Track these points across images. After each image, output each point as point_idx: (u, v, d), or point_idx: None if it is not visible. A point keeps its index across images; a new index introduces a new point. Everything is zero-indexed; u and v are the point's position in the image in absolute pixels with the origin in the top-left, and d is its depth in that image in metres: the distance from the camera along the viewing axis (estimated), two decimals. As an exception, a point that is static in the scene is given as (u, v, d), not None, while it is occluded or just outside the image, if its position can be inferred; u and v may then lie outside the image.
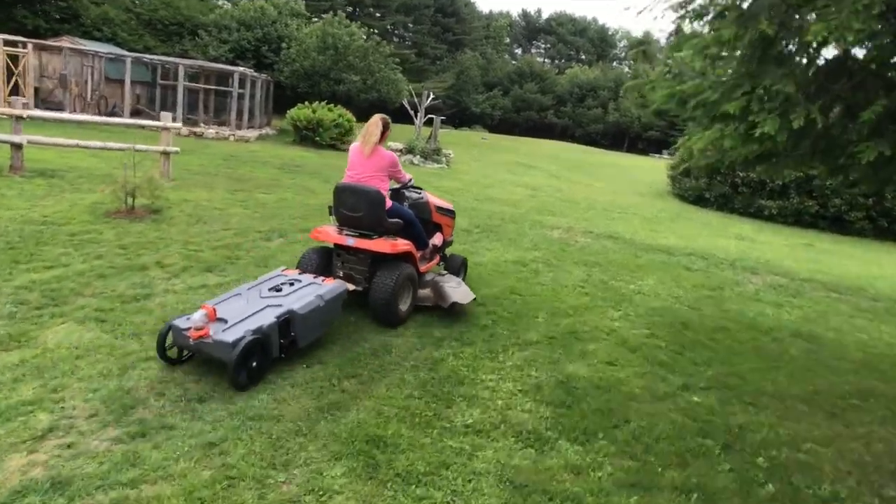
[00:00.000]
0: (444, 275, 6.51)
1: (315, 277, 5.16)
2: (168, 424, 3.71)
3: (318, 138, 23.01)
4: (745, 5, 4.06)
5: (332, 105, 24.24)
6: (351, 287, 5.51)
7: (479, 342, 5.52)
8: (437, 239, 6.72)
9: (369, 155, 5.67)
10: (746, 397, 5.12)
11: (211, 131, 22.24)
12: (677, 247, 11.73)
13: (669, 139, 62.70)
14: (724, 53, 4.32)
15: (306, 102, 24.10)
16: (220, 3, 34.99)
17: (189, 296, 5.81)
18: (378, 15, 59.05)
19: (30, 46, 20.62)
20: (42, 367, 4.21)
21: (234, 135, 22.31)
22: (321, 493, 3.24)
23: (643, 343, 6.06)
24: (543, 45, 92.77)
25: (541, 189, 19.55)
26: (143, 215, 8.39)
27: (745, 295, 8.69)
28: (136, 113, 26.04)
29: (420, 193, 6.66)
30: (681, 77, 4.86)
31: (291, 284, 4.95)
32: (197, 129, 22.17)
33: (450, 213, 7.09)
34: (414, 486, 3.37)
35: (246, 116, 24.80)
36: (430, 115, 25.95)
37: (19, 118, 10.07)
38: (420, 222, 6.18)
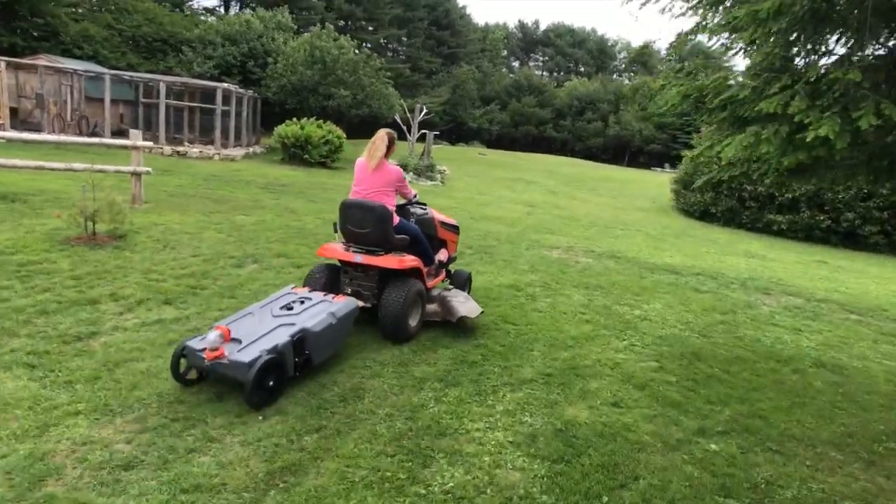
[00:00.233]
0: (450, 290, 6.41)
1: (325, 295, 5.15)
2: (80, 502, 3.05)
3: (306, 156, 22.44)
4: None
5: (321, 121, 23.67)
6: (360, 304, 5.46)
7: (466, 382, 4.87)
8: (442, 255, 6.73)
9: (375, 170, 5.62)
10: (771, 443, 4.47)
11: (195, 150, 21.65)
12: (684, 266, 11.08)
13: (672, 152, 62.27)
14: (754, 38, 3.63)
15: (294, 119, 23.54)
16: (205, 18, 34.29)
17: (141, 333, 5.17)
18: (370, 28, 58.78)
19: (2, 65, 20.00)
20: (-57, 428, 3.56)
21: (218, 154, 21.72)
22: None
23: (651, 378, 5.40)
24: (541, 58, 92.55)
25: (539, 206, 18.95)
26: (105, 242, 7.75)
27: (760, 319, 8.03)
28: (119, 133, 25.56)
29: (425, 209, 6.65)
30: (694, 75, 4.20)
31: (302, 302, 4.94)
32: (180, 149, 21.58)
33: (454, 229, 7.11)
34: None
35: (232, 135, 24.23)
36: (423, 131, 25.37)
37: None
38: (425, 238, 6.15)
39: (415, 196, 6.37)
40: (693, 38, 4.86)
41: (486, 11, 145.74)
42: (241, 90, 25.66)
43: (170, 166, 17.58)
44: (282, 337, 4.34)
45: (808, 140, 3.25)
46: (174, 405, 4.02)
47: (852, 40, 3.51)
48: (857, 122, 2.99)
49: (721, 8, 3.81)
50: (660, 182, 34.62)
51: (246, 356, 4.09)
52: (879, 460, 4.42)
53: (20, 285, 5.96)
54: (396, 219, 5.73)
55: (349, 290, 5.76)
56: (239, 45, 30.06)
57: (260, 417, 3.97)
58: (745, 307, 8.57)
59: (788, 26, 3.42)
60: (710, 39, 4.19)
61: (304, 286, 5.65)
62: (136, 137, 10.87)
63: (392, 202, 5.73)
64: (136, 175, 10.88)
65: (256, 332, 4.39)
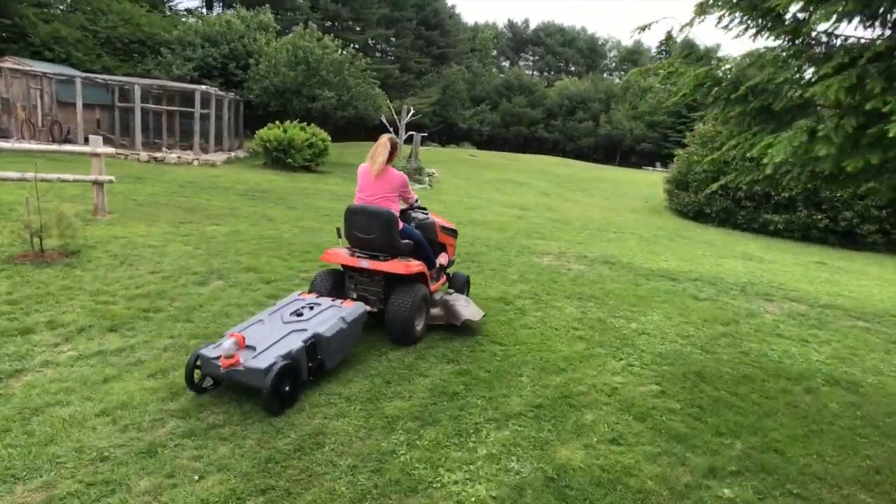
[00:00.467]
0: (451, 293, 6.50)
1: (333, 300, 5.19)
2: None
3: (289, 160, 21.83)
4: None
5: (304, 124, 23.07)
6: (368, 309, 5.45)
7: (444, 419, 4.29)
8: (442, 258, 6.75)
9: (379, 176, 5.65)
10: (791, 484, 3.91)
11: (173, 156, 21.02)
12: (681, 271, 10.53)
13: (663, 151, 61.87)
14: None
15: (277, 122, 22.93)
16: (185, 19, 33.49)
17: (74, 369, 4.55)
18: (358, 29, 58.08)
19: (-39, 68, 19.32)
20: None
21: (197, 159, 21.10)
22: None
23: (653, 406, 4.83)
24: (532, 57, 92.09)
25: (530, 209, 18.39)
26: (54, 259, 7.13)
27: (764, 329, 7.47)
28: (98, 139, 24.85)
29: (426, 214, 6.64)
30: (706, 60, 3.59)
31: (311, 308, 4.98)
32: (157, 155, 20.94)
33: (453, 233, 7.16)
34: None
35: (212, 139, 23.60)
36: (410, 133, 24.79)
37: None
38: (427, 243, 6.18)
39: (416, 200, 6.36)
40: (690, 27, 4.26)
41: (476, 11, 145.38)
42: (221, 93, 25.04)
43: (145, 173, 16.97)
44: (295, 342, 4.38)
45: (890, 135, 2.59)
46: (95, 463, 3.41)
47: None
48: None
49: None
50: (652, 181, 34.14)
51: (262, 362, 4.11)
52: (914, 502, 3.87)
53: (-53, 313, 5.36)
54: (401, 224, 5.76)
55: (354, 296, 5.80)
56: (219, 46, 29.37)
57: (196, 477, 3.37)
58: (747, 316, 8.02)
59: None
60: (719, 22, 3.59)
61: (309, 293, 5.59)
62: (96, 144, 10.23)
63: (396, 207, 5.77)
64: (98, 184, 10.27)
65: (269, 339, 4.42)
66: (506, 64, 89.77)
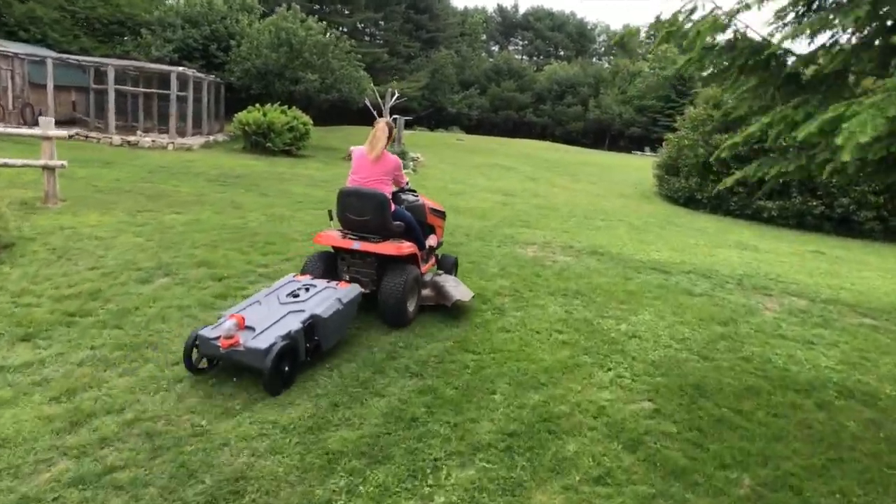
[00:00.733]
0: (440, 274, 6.56)
1: (329, 282, 5.22)
2: None
3: (269, 144, 20.99)
4: None
5: (286, 107, 22.25)
6: (362, 290, 5.51)
7: (398, 454, 3.60)
8: (432, 240, 6.74)
9: (376, 160, 5.78)
10: (811, 532, 3.26)
11: (147, 140, 20.14)
12: (672, 262, 9.87)
13: (652, 136, 61.23)
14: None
15: (257, 105, 22.09)
16: (169, 0, 32.39)
17: (-37, 390, 3.85)
18: (346, 12, 56.95)
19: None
20: None
21: (172, 143, 20.21)
22: None
23: (646, 431, 4.17)
24: (521, 42, 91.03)
25: (516, 194, 17.67)
26: (-21, 254, 6.42)
27: (765, 329, 6.82)
28: (72, 122, 24.05)
29: (416, 196, 6.70)
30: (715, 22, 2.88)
31: (307, 290, 5.00)
32: (131, 138, 20.07)
33: (441, 215, 7.19)
34: None
35: (190, 122, 22.73)
36: (394, 116, 24.01)
37: None
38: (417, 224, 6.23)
39: (407, 183, 6.46)
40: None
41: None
42: (200, 75, 24.13)
43: (115, 157, 16.17)
44: (294, 323, 4.40)
45: None
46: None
47: None
48: None
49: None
50: (641, 166, 33.50)
51: (262, 343, 4.14)
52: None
53: None
54: (393, 206, 5.80)
55: (347, 277, 5.84)
56: (200, 27, 28.36)
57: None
58: (745, 314, 7.37)
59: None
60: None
61: (301, 275, 5.58)
62: (47, 126, 9.43)
63: (389, 190, 5.86)
64: (49, 169, 9.48)
65: (268, 320, 4.44)
66: (495, 48, 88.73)
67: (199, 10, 28.73)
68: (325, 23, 28.58)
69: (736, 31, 3.05)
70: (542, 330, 5.97)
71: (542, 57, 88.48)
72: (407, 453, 3.61)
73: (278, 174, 16.33)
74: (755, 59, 2.74)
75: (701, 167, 18.99)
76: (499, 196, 16.78)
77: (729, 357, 5.79)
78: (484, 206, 14.20)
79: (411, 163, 21.58)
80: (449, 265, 7.06)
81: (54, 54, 22.31)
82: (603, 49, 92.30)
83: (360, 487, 3.24)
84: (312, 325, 4.54)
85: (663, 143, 22.30)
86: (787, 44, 2.67)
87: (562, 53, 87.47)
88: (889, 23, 2.40)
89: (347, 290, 5.10)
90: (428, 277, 6.34)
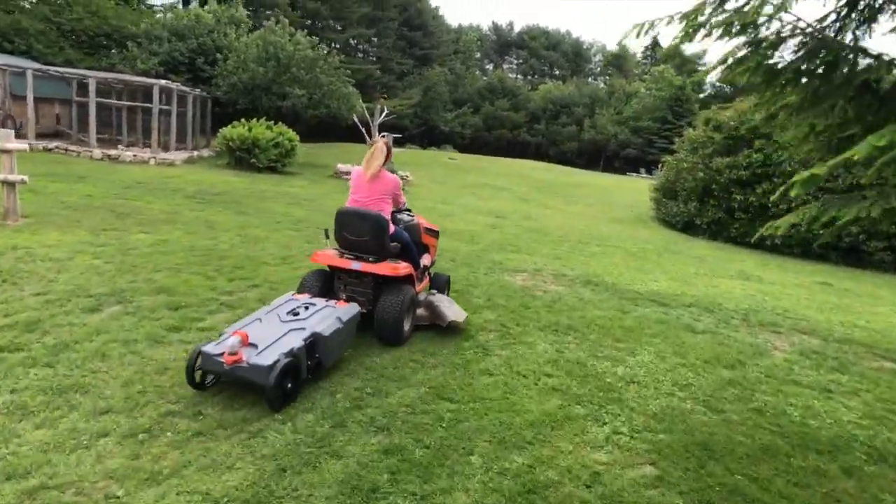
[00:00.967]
0: (434, 294, 6.54)
1: (328, 301, 5.23)
2: None
3: (253, 160, 20.40)
4: None
5: (272, 123, 21.70)
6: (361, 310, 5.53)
7: (351, 540, 2.97)
8: (426, 259, 6.71)
9: (373, 179, 5.73)
10: None
11: (129, 154, 19.52)
12: (672, 294, 9.28)
13: (647, 157, 60.96)
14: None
15: (243, 120, 21.53)
16: (158, 14, 31.84)
17: None
18: (338, 28, 56.61)
19: None
20: None
21: (154, 157, 19.59)
22: None
23: (649, 504, 3.55)
24: (515, 60, 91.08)
25: (507, 216, 17.10)
26: None
27: (776, 374, 6.21)
28: (55, 135, 23.46)
29: (412, 216, 6.66)
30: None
31: (307, 308, 4.99)
32: (112, 152, 19.44)
33: (435, 234, 7.17)
34: None
35: (173, 136, 22.14)
36: (383, 133, 23.46)
37: None
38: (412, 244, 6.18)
39: (404, 204, 6.39)
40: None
41: (460, 13, 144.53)
42: (185, 88, 23.58)
43: (91, 172, 15.53)
44: (296, 341, 4.41)
45: None
46: None
47: None
48: None
49: None
50: (636, 188, 33.06)
51: (265, 360, 4.13)
52: None
53: None
54: (392, 227, 5.80)
55: (343, 297, 5.82)
56: (187, 40, 27.88)
57: None
58: (753, 355, 6.76)
59: None
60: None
61: (298, 293, 5.53)
62: (5, 139, 8.79)
63: (388, 210, 5.83)
64: (8, 185, 8.84)
65: (270, 337, 4.43)
66: (489, 67, 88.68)
67: (187, 23, 28.27)
68: (315, 38, 28.13)
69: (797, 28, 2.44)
70: (529, 373, 5.35)
71: (536, 76, 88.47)
72: (361, 540, 2.97)
73: (260, 192, 15.72)
74: (822, 59, 2.15)
75: (701, 191, 18.45)
76: (489, 218, 16.21)
77: (739, 408, 5.17)
78: (473, 229, 13.61)
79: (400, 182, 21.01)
80: (441, 284, 7.07)
81: (35, 65, 21.75)
82: (598, 69, 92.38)
83: None
84: (314, 343, 4.55)
85: (659, 166, 21.81)
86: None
87: (557, 73, 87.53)
88: None
89: (347, 309, 5.13)
90: (422, 297, 6.33)
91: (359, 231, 5.60)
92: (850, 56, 2.13)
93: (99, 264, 7.21)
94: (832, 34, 2.30)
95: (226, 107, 27.24)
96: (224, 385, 4.41)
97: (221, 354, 4.17)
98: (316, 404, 4.27)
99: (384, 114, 23.74)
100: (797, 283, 12.01)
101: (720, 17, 2.59)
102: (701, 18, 2.67)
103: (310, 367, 4.52)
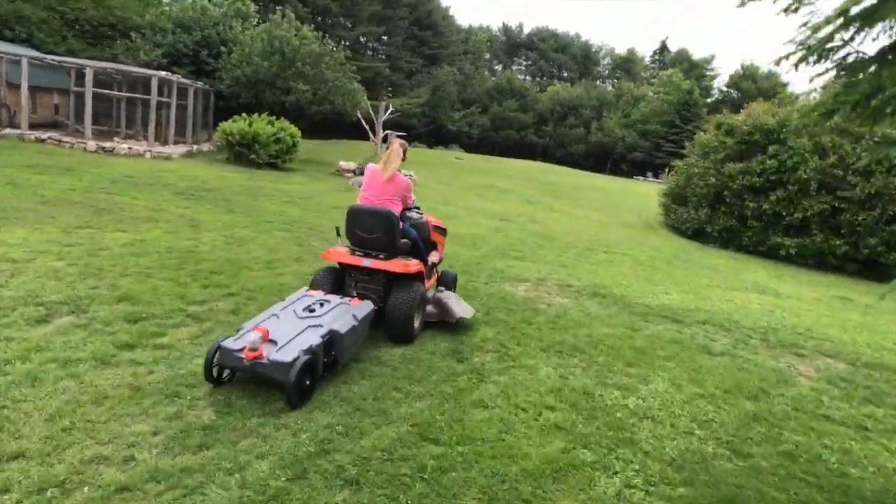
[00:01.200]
0: (442, 291, 6.50)
1: (342, 298, 5.25)
2: None
3: (253, 156, 19.77)
4: None
5: (273, 118, 21.08)
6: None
7: None
8: (434, 256, 6.77)
9: (388, 180, 5.82)
10: None
11: (124, 146, 18.91)
12: (685, 309, 8.62)
13: (655, 161, 60.26)
14: None
15: (244, 115, 20.92)
16: (165, 5, 31.22)
17: None
18: (348, 25, 56.06)
19: None
20: None
21: (150, 151, 18.97)
22: None
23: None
24: (524, 62, 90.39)
25: (512, 219, 16.45)
26: None
27: (805, 407, 5.55)
28: (54, 125, 22.94)
29: (420, 214, 6.61)
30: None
31: (322, 305, 4.98)
32: (107, 144, 18.84)
33: (443, 232, 7.21)
34: None
35: (171, 130, 21.53)
36: (387, 132, 22.86)
37: None
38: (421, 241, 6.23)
39: (413, 202, 6.38)
40: None
41: (470, 14, 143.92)
42: (185, 80, 22.96)
43: (80, 164, 14.92)
44: (314, 338, 4.39)
45: None
46: None
47: None
48: None
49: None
50: (644, 192, 32.41)
51: (286, 356, 4.10)
52: None
53: None
54: (401, 225, 5.86)
55: (354, 293, 5.81)
56: (192, 32, 27.28)
57: None
58: (777, 382, 6.11)
59: None
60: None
61: (312, 289, 5.57)
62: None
63: (398, 209, 5.91)
64: (-27, 177, 8.23)
65: (289, 334, 4.41)
66: (498, 68, 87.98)
67: (192, 15, 27.67)
68: (324, 34, 27.52)
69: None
70: (529, 406, 4.70)
71: (545, 78, 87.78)
72: None
73: (256, 189, 15.10)
74: None
75: (712, 198, 17.76)
76: (493, 221, 15.56)
77: (768, 452, 4.51)
78: (475, 232, 12.96)
79: (403, 181, 20.39)
80: (449, 281, 7.08)
81: (32, 53, 21.18)
82: (607, 72, 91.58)
83: None
84: (331, 340, 4.56)
85: (666, 170, 21.14)
86: None
87: (565, 75, 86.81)
88: None
89: (361, 307, 5.17)
90: (430, 294, 6.36)
91: (370, 228, 5.67)
92: None
93: (61, 267, 6.59)
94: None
95: (229, 101, 26.61)
96: (166, 423, 3.78)
97: (241, 350, 4.14)
98: (275, 447, 3.63)
99: (389, 111, 23.11)
100: (815, 298, 11.33)
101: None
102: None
103: (326, 364, 4.52)
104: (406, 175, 20.91)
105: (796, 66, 3.31)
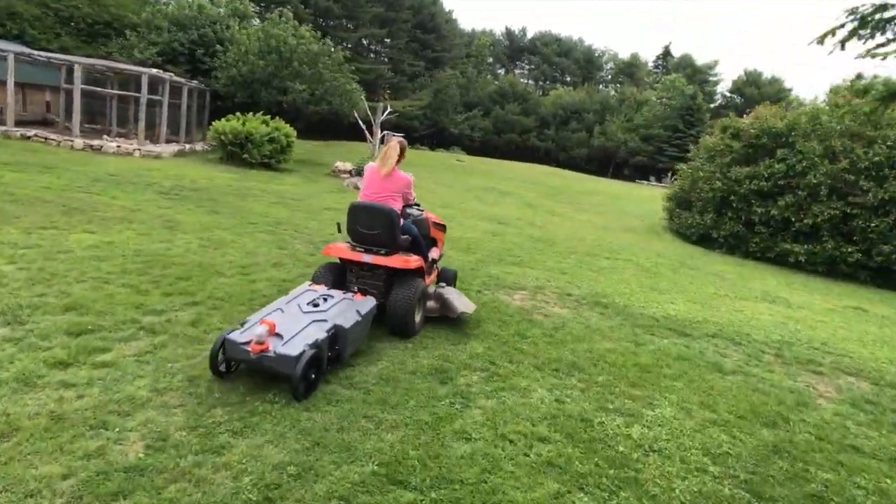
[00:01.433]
0: (443, 286, 6.51)
1: (345, 293, 5.25)
2: None
3: (246, 155, 19.20)
4: None
5: (268, 117, 20.54)
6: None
7: None
8: (434, 253, 6.76)
9: (387, 176, 5.84)
10: None
11: (112, 145, 18.36)
12: (693, 320, 8.02)
13: (658, 165, 59.71)
14: None
15: (238, 114, 20.37)
16: (162, 3, 30.69)
17: None
18: (350, 27, 55.56)
19: None
20: None
21: (139, 149, 18.42)
22: None
23: None
24: (527, 66, 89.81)
25: (511, 223, 15.85)
26: None
27: (829, 436, 4.94)
28: (44, 123, 22.46)
29: (421, 210, 6.58)
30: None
31: (326, 300, 4.98)
32: (95, 142, 18.28)
33: (443, 228, 7.20)
34: None
35: (163, 128, 20.98)
36: (384, 132, 22.30)
37: None
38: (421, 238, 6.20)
39: (414, 199, 6.41)
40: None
41: (473, 17, 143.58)
42: (178, 79, 22.42)
43: (63, 162, 14.39)
44: (319, 332, 4.43)
45: None
46: None
47: None
48: None
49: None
50: (646, 196, 31.83)
51: (292, 350, 4.13)
52: None
53: None
54: (401, 221, 5.86)
55: (356, 289, 5.78)
56: (188, 30, 26.77)
57: None
58: (796, 405, 5.50)
59: None
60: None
61: (314, 284, 5.57)
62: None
63: (399, 206, 5.93)
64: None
65: (294, 328, 4.43)
66: (501, 71, 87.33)
67: (189, 13, 27.16)
68: (325, 35, 26.98)
69: None
70: (518, 437, 4.10)
71: (548, 82, 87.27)
72: None
73: (245, 189, 14.52)
74: None
75: (718, 202, 17.13)
76: (491, 224, 14.96)
77: (793, 494, 3.91)
78: (471, 236, 12.37)
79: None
80: (449, 277, 7.15)
81: (18, 48, 20.65)
82: (610, 76, 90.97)
83: None
84: (335, 335, 4.58)
85: (669, 174, 20.55)
86: None
87: (568, 79, 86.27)
88: None
89: (364, 302, 5.19)
90: (431, 290, 6.38)
91: (371, 225, 5.69)
92: None
93: (9, 271, 6.02)
94: None
95: (226, 100, 26.09)
96: (83, 463, 3.18)
97: (248, 343, 4.16)
98: (208, 495, 3.02)
99: (387, 112, 22.54)
100: (828, 308, 10.71)
101: None
102: None
103: (330, 358, 4.55)
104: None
105: (843, 44, 2.74)
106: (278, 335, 4.31)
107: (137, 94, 20.25)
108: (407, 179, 6.04)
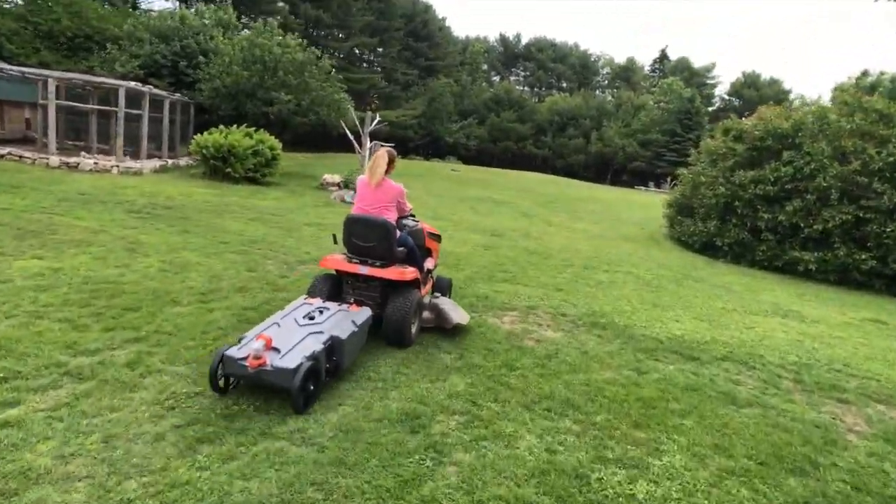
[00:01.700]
0: (438, 297, 6.60)
1: (340, 305, 5.32)
2: None
3: (229, 170, 18.50)
4: None
5: (253, 129, 19.86)
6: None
7: None
8: (429, 263, 6.80)
9: (377, 187, 5.84)
10: None
11: (89, 162, 17.66)
12: (701, 341, 7.31)
13: (656, 170, 59.10)
14: None
15: (221, 127, 19.70)
16: (153, 20, 30.00)
17: None
18: (341, 36, 55.02)
19: None
20: None
21: (118, 166, 17.74)
22: None
23: None
24: (522, 72, 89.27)
25: (504, 234, 15.15)
26: None
27: (868, 485, 4.22)
28: (24, 141, 21.80)
29: (416, 221, 6.61)
30: None
31: (321, 312, 5.04)
32: (72, 160, 17.59)
33: (437, 238, 7.22)
34: None
35: (144, 144, 20.32)
36: (373, 142, 21.64)
37: None
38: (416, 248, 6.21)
39: (409, 209, 6.44)
40: None
41: (467, 24, 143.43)
42: (160, 92, 21.79)
43: (33, 182, 13.70)
44: (315, 344, 4.46)
45: None
46: None
47: None
48: None
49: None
50: (646, 203, 31.17)
51: (290, 363, 4.16)
52: None
53: None
54: (397, 233, 5.87)
55: (352, 300, 5.83)
56: (170, 42, 26.14)
57: None
58: (824, 445, 4.79)
59: None
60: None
61: (310, 297, 5.65)
62: None
63: (393, 217, 6.00)
64: None
65: (291, 341, 4.46)
66: (496, 78, 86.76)
67: (171, 24, 26.53)
68: (315, 45, 26.36)
69: None
70: (499, 503, 3.39)
71: (543, 88, 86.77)
72: None
73: (223, 205, 13.82)
74: None
75: (722, 208, 16.41)
76: (483, 237, 14.26)
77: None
78: (462, 251, 11.66)
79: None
80: (444, 287, 7.15)
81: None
82: (606, 81, 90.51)
83: None
84: (332, 347, 4.61)
85: (668, 179, 19.85)
86: None
87: (564, 85, 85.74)
88: None
89: (360, 313, 5.23)
90: (427, 300, 6.40)
91: (367, 237, 5.72)
92: None
93: (-70, 307, 5.32)
94: None
95: (211, 113, 25.43)
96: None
97: (245, 358, 4.17)
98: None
99: (375, 122, 21.88)
100: (845, 322, 10.00)
101: None
102: None
103: (328, 369, 4.56)
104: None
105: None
106: (275, 349, 4.33)
107: (114, 109, 19.57)
108: (399, 189, 6.00)
